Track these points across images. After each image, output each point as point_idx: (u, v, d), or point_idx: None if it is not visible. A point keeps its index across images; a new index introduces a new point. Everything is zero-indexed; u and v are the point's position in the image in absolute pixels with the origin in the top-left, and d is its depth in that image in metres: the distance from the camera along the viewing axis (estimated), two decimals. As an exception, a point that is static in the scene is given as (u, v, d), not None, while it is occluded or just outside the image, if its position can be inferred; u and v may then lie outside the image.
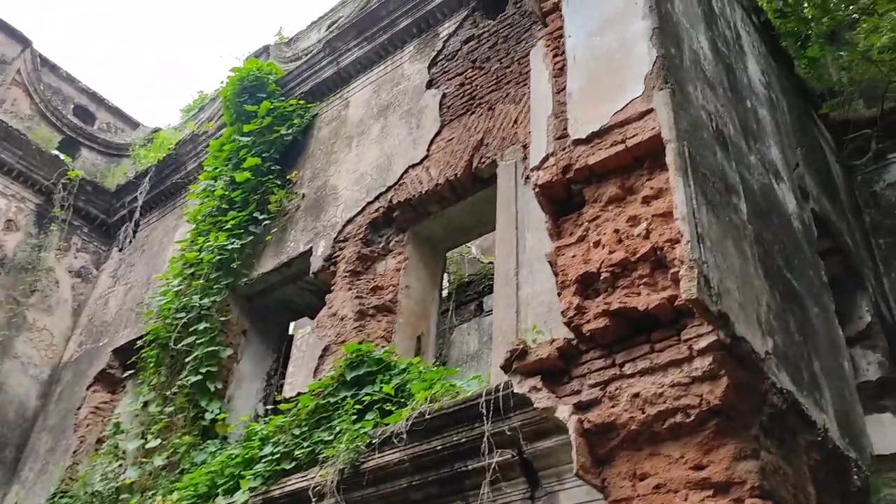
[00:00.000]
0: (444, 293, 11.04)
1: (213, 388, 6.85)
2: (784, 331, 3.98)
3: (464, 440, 4.22)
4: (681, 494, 3.25)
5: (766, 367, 3.49)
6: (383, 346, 5.75)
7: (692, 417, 3.32)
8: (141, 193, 10.24)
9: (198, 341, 7.08)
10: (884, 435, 5.66)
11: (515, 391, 3.86)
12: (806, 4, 7.49)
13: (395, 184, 6.82)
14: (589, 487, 3.72)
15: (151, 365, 7.41)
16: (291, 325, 8.36)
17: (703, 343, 3.33)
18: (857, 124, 7.75)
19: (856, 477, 3.94)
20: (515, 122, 6.23)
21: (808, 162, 6.28)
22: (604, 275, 3.71)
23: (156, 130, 12.06)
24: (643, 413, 3.44)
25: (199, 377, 6.85)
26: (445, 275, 11.33)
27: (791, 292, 4.38)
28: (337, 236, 6.92)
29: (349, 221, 6.94)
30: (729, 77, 5.00)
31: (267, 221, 7.71)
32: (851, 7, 7.63)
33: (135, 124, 13.00)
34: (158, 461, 6.55)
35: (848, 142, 7.71)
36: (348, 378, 5.29)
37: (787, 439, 3.52)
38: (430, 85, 7.40)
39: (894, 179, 7.45)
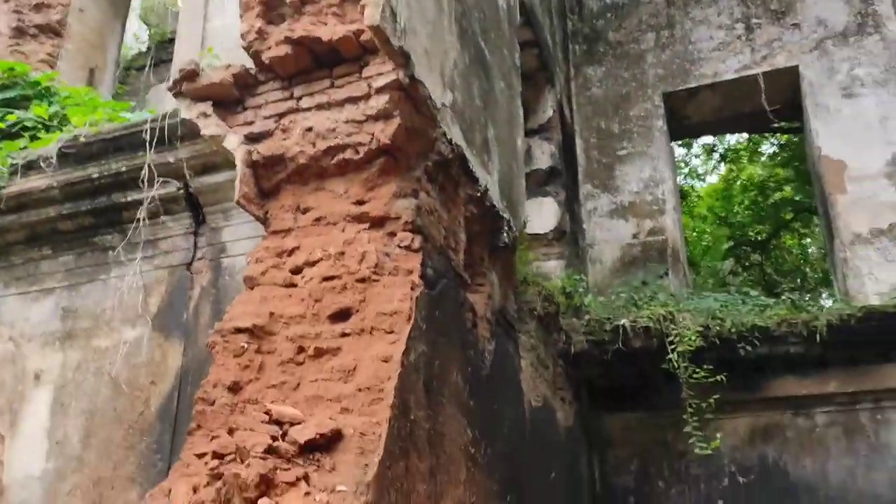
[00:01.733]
0: (144, 48, 9.96)
1: None
2: (466, 92, 4.07)
3: (124, 169, 3.84)
4: (339, 226, 3.29)
5: (440, 116, 3.54)
6: (45, 72, 4.96)
7: (361, 155, 3.30)
8: None
9: None
10: (542, 216, 6.35)
11: (183, 116, 3.54)
12: None
13: None
14: (254, 225, 3.64)
15: None
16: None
17: (382, 82, 3.25)
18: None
19: (505, 235, 4.31)
20: None
21: (527, -49, 6.33)
22: None
23: None
24: (314, 147, 3.35)
25: None
26: (146, 28, 10.16)
27: (482, 60, 4.47)
28: (-7, -65, 5.64)
29: (11, -80, 5.66)
30: None
31: None
32: None
33: None
34: None
35: (568, -54, 7.94)
36: (-5, 100, 4.51)
37: (449, 188, 3.68)
38: None
39: (600, -9, 7.91)
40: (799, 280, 15.11)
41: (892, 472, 5.40)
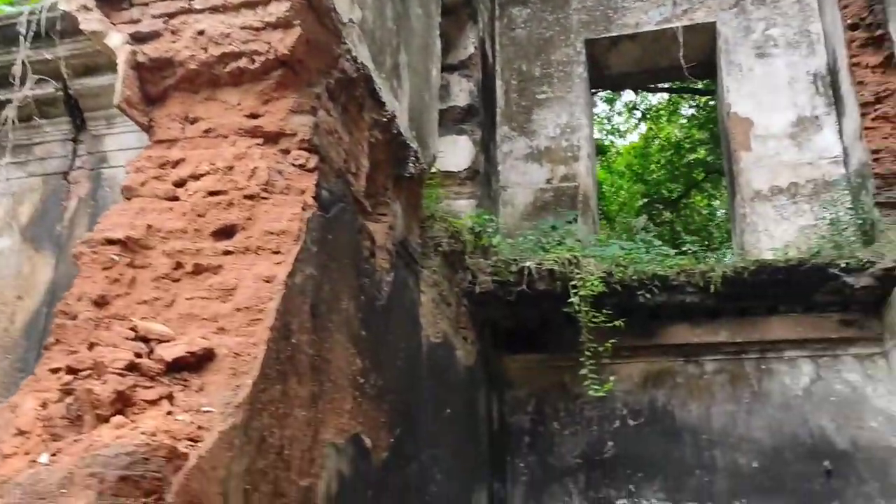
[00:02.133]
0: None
1: None
2: (378, 11, 3.88)
3: (-5, 65, 3.50)
4: (230, 140, 3.09)
5: (346, 32, 3.35)
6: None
7: (257, 65, 3.09)
8: None
9: None
10: (456, 154, 6.24)
11: (62, 9, 3.23)
12: None
13: None
14: (140, 135, 3.41)
15: None
16: None
17: (282, -13, 3.04)
18: None
19: (412, 166, 4.19)
20: None
21: None
22: None
23: None
24: (206, 53, 3.11)
25: None
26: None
27: (397, -18, 4.27)
28: None
29: None
30: None
31: None
32: None
33: None
34: None
35: None
36: None
37: (352, 110, 3.51)
38: None
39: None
40: (705, 239, 15.64)
41: (771, 420, 5.66)
